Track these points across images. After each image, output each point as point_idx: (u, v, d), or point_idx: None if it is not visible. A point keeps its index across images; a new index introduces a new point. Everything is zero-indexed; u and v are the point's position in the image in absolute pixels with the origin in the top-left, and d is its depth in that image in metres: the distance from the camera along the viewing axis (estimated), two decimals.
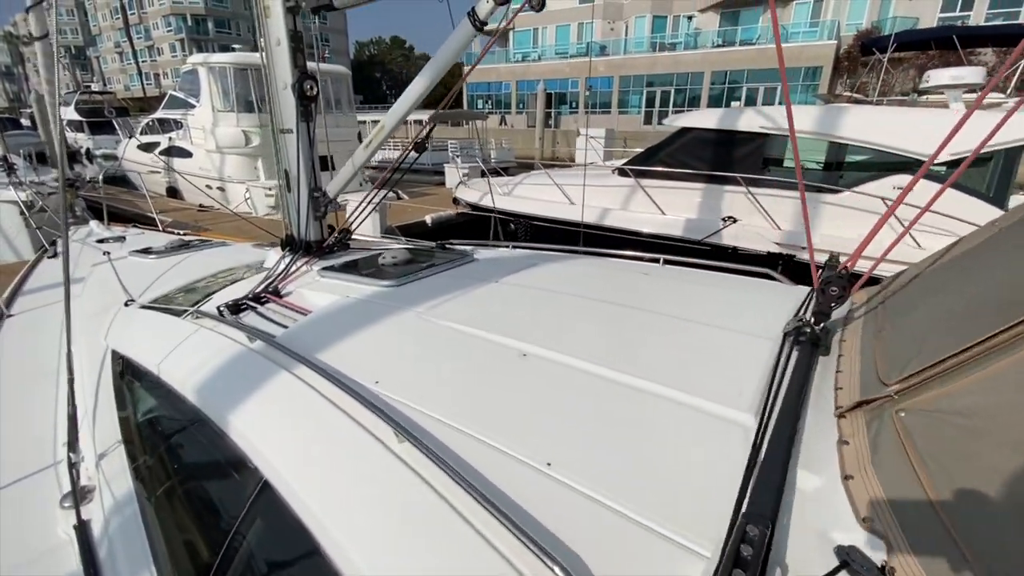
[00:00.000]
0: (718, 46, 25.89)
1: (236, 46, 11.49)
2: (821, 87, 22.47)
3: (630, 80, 27.76)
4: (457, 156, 16.70)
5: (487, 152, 18.37)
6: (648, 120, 27.01)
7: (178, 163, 11.99)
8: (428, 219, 10.21)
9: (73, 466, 1.56)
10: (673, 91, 26.28)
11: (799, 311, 1.55)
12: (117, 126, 17.48)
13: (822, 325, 1.32)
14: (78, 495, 1.51)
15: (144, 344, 1.93)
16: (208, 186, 11.11)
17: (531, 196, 7.52)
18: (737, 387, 1.15)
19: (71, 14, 58.94)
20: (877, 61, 11.87)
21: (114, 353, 2.08)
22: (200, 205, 10.96)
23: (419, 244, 2.89)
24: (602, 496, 0.89)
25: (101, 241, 4.16)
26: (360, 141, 14.22)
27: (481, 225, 8.79)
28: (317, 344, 1.52)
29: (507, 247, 2.75)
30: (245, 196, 10.21)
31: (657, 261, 2.32)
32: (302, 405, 1.23)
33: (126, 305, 2.45)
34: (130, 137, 13.99)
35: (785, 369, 1.16)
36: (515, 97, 32.14)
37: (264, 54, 2.28)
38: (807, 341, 1.26)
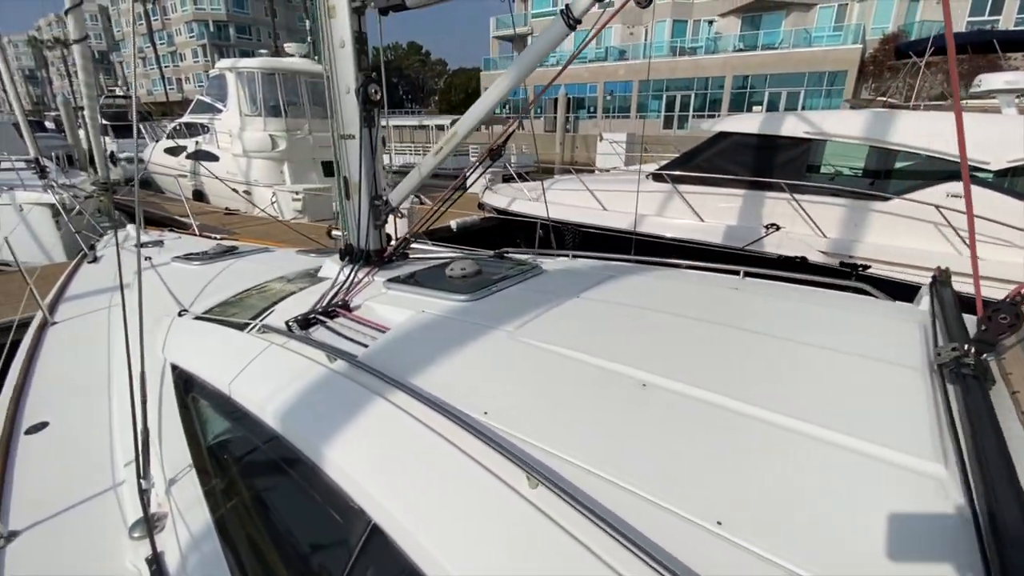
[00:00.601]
0: (739, 50, 25.63)
1: (263, 51, 11.55)
2: (846, 92, 22.11)
3: (650, 84, 27.59)
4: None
5: (507, 157, 18.32)
6: (668, 125, 26.82)
7: (204, 167, 12.07)
8: (453, 224, 10.13)
9: (144, 493, 1.46)
10: (693, 96, 26.05)
11: (934, 336, 1.40)
12: (143, 130, 17.71)
13: (983, 355, 1.18)
14: (151, 525, 1.41)
15: (208, 360, 1.84)
16: (234, 190, 11.16)
17: (563, 202, 7.39)
18: (906, 428, 1.02)
19: (95, 19, 60.26)
20: (909, 65, 11.59)
21: (173, 367, 1.99)
22: (227, 208, 11.00)
23: (475, 253, 2.79)
24: (793, 565, 0.76)
25: (139, 246, 4.12)
26: (384, 146, 14.28)
27: (507, 230, 8.68)
28: (405, 366, 1.41)
29: (566, 256, 2.63)
30: (272, 200, 10.21)
31: (736, 273, 2.18)
32: (409, 439, 1.12)
33: (179, 315, 2.37)
34: (156, 142, 14.14)
35: (961, 408, 1.02)
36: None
37: (326, 57, 2.19)
38: (971, 375, 1.12)
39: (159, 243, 4.20)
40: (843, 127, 5.48)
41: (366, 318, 1.83)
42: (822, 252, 5.38)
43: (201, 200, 12.35)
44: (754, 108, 23.83)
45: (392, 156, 15.98)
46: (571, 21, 1.63)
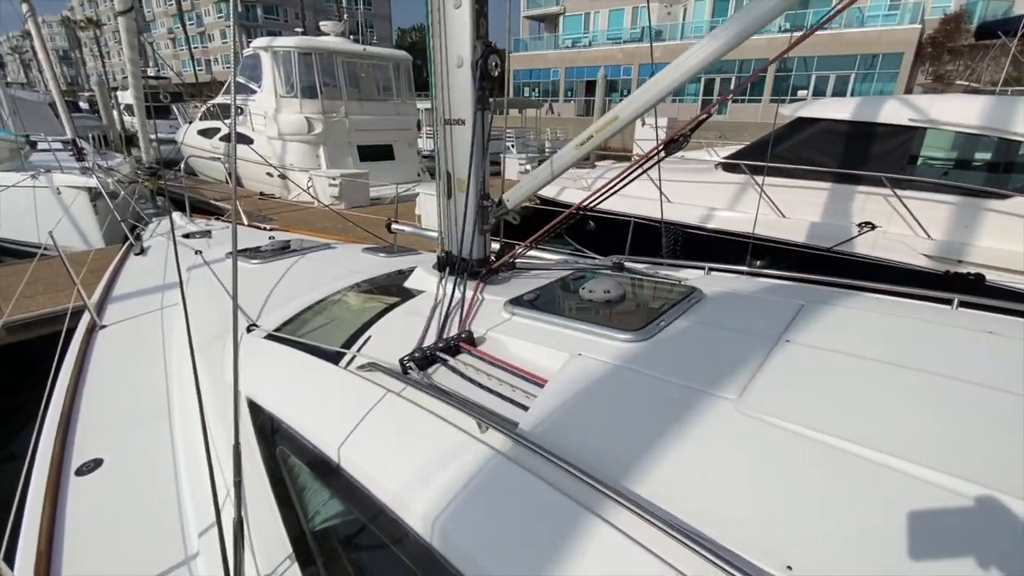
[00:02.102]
0: (785, 31, 24.31)
1: (299, 29, 11.14)
2: (900, 76, 20.86)
3: None
4: (512, 146, 16.14)
5: (541, 142, 17.74)
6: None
7: (239, 150, 11.81)
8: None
9: None
10: (734, 79, 24.91)
11: None
12: (176, 111, 17.57)
13: None
14: None
15: (301, 405, 1.45)
16: (269, 174, 10.87)
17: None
18: None
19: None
20: (995, 46, 10.65)
21: (251, 404, 1.61)
22: (261, 193, 10.74)
23: (587, 259, 2.35)
24: None
25: (186, 236, 3.79)
26: (419, 130, 13.83)
27: (549, 220, 8.20)
28: (593, 448, 1.00)
29: (699, 269, 2.18)
30: (307, 185, 9.89)
31: (949, 303, 1.69)
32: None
33: (248, 330, 2.00)
34: (189, 123, 13.93)
35: None
36: (563, 84, 31.23)
37: (432, 22, 1.76)
38: None
39: (207, 234, 3.87)
40: (956, 114, 4.84)
41: (499, 357, 1.42)
42: (926, 256, 4.80)
43: (237, 183, 12.12)
44: (799, 93, 22.71)
45: (424, 141, 15.52)
46: None
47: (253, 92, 11.30)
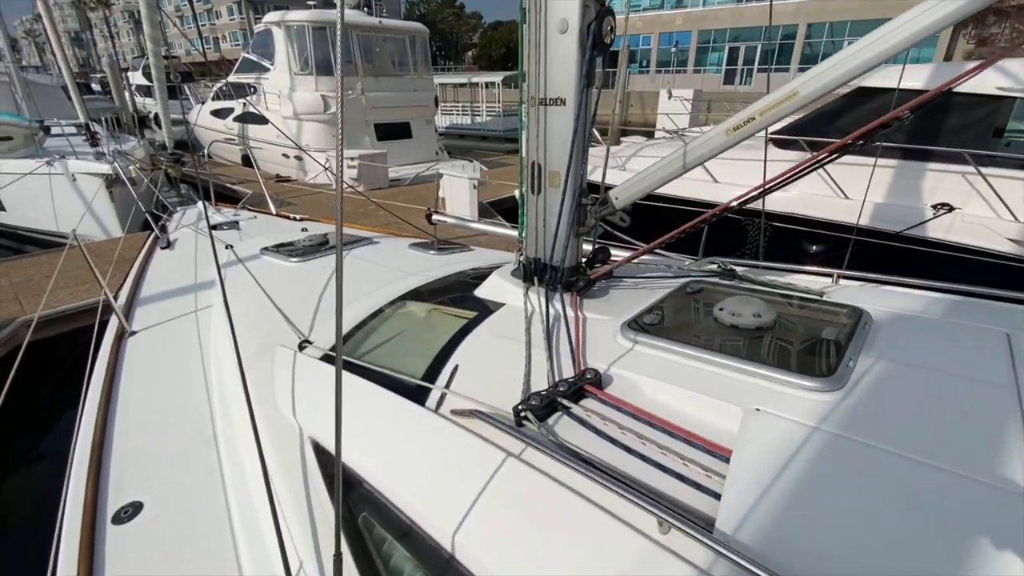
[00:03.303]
0: None
1: (311, 2, 10.65)
2: (941, 39, 19.74)
3: (710, 35, 25.35)
4: None
5: None
6: (729, 79, 24.73)
7: (252, 130, 11.47)
8: (517, 193, 9.30)
9: None
10: (760, 47, 23.82)
11: None
12: (187, 91, 17.18)
13: None
14: None
15: (386, 462, 1.16)
16: (285, 155, 10.55)
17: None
18: None
19: None
20: (1020, 7, 9.85)
21: (316, 447, 1.33)
22: (278, 175, 10.44)
23: (671, 259, 2.01)
24: None
25: (213, 227, 3.49)
26: (436, 106, 13.32)
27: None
28: (829, 567, 0.70)
29: (828, 276, 1.82)
30: (325, 166, 9.55)
31: None
32: None
33: (300, 348, 1.71)
34: (201, 103, 13.59)
35: None
36: None
37: None
38: None
39: (234, 224, 3.57)
40: None
41: (641, 408, 1.10)
42: (1013, 240, 4.36)
43: (249, 166, 11.82)
44: None
45: (440, 118, 15.03)
46: None
47: (266, 70, 10.90)
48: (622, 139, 9.88)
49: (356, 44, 10.54)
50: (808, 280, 1.85)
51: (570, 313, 1.47)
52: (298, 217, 3.91)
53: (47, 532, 1.37)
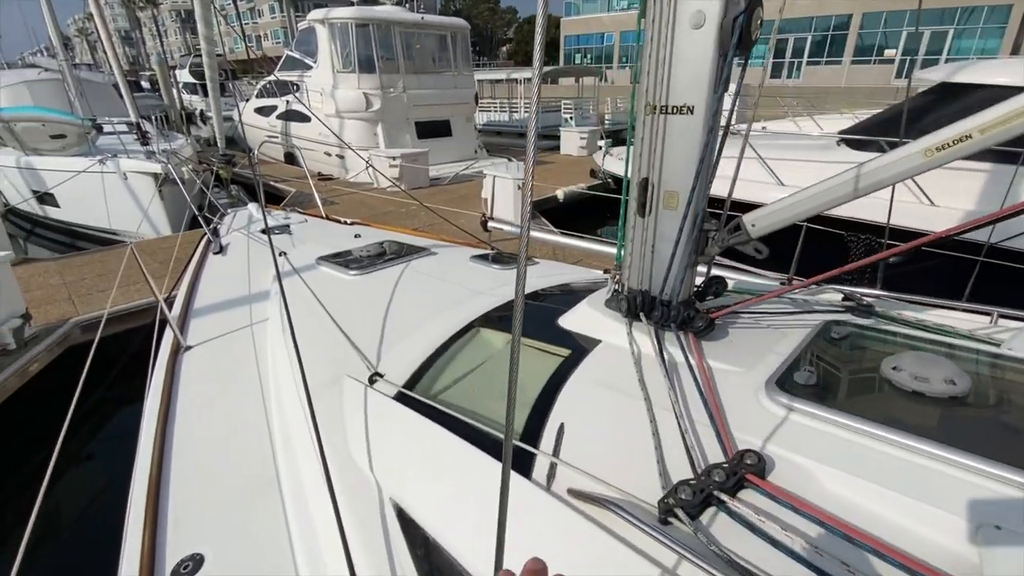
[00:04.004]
0: None
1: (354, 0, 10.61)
2: (1008, 31, 18.47)
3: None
4: (570, 118, 15.25)
5: (601, 112, 16.74)
6: (775, 72, 23.76)
7: (295, 127, 11.54)
8: (560, 194, 9.04)
9: None
10: (810, 39, 22.80)
11: None
12: (230, 88, 17.51)
13: None
14: None
15: (485, 549, 0.97)
16: (327, 153, 10.56)
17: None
18: None
19: None
20: None
21: (401, 515, 1.15)
22: (320, 174, 10.45)
23: (812, 297, 1.75)
24: None
25: (263, 232, 3.39)
26: (476, 104, 13.13)
27: (616, 201, 7.47)
28: None
29: (988, 315, 1.55)
30: (368, 163, 9.49)
31: None
32: None
33: (371, 382, 1.54)
34: (246, 101, 13.78)
35: None
36: (618, 50, 29.59)
37: None
38: None
39: (285, 228, 3.47)
40: None
41: (824, 510, 0.87)
42: None
43: (292, 164, 11.90)
44: (886, 52, 20.58)
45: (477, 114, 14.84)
46: None
47: (309, 68, 10.93)
48: None
49: (398, 41, 10.44)
50: (954, 318, 1.57)
51: (693, 362, 1.25)
52: (349, 221, 3.78)
53: (97, 535, 1.23)
